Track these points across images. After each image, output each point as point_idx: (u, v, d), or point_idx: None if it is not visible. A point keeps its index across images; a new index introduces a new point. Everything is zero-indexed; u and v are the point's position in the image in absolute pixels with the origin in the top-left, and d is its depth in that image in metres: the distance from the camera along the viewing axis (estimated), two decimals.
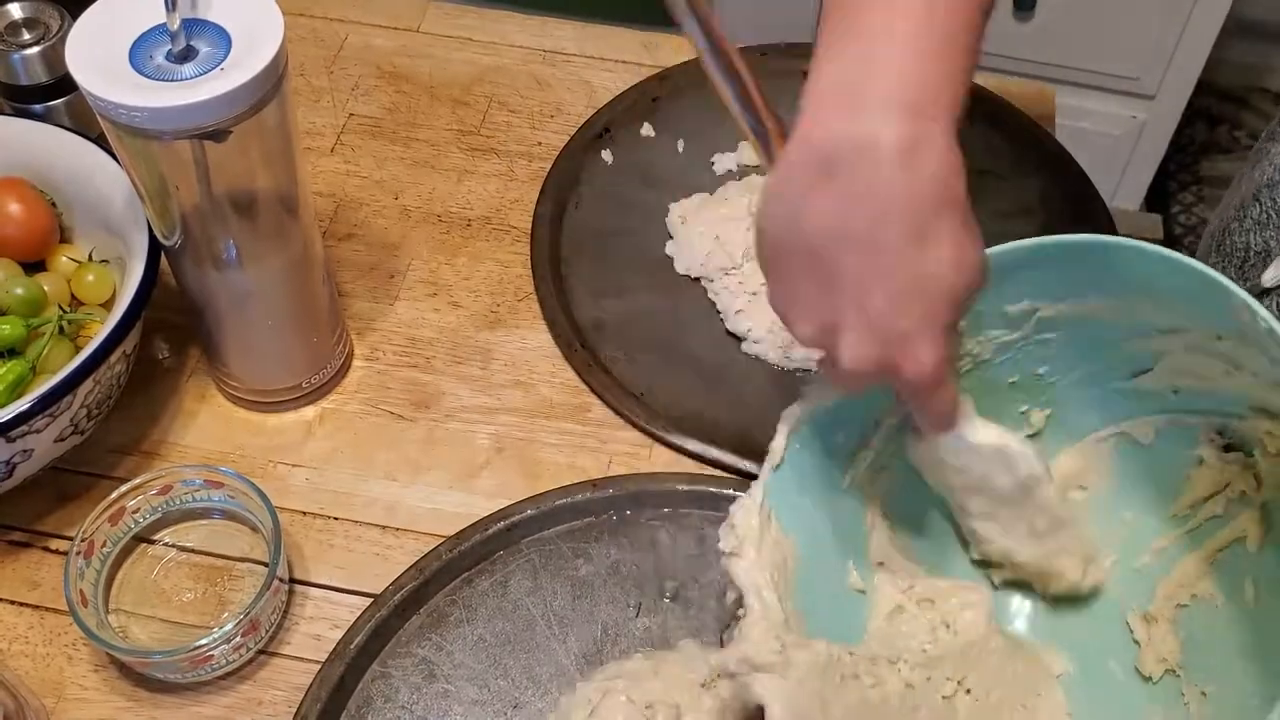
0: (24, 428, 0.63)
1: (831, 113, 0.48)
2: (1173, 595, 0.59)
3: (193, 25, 0.60)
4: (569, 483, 0.72)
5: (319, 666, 0.65)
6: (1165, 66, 1.58)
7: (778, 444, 0.60)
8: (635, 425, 0.75)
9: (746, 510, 0.59)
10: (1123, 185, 1.74)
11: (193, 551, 0.70)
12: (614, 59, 0.95)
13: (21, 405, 0.62)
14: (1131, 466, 0.60)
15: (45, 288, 0.72)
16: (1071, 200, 0.85)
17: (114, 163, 0.70)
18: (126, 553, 0.69)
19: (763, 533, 0.60)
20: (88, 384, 0.65)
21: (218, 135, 0.59)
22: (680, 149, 0.89)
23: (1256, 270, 0.65)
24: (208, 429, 0.75)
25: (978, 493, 0.59)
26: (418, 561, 0.68)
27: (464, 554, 0.69)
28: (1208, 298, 0.50)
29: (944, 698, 0.59)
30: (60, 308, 0.72)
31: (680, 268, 0.83)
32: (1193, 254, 0.57)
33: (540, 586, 0.69)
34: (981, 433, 0.56)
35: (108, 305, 0.74)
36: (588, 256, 0.83)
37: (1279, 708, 0.44)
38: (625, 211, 0.86)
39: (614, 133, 0.89)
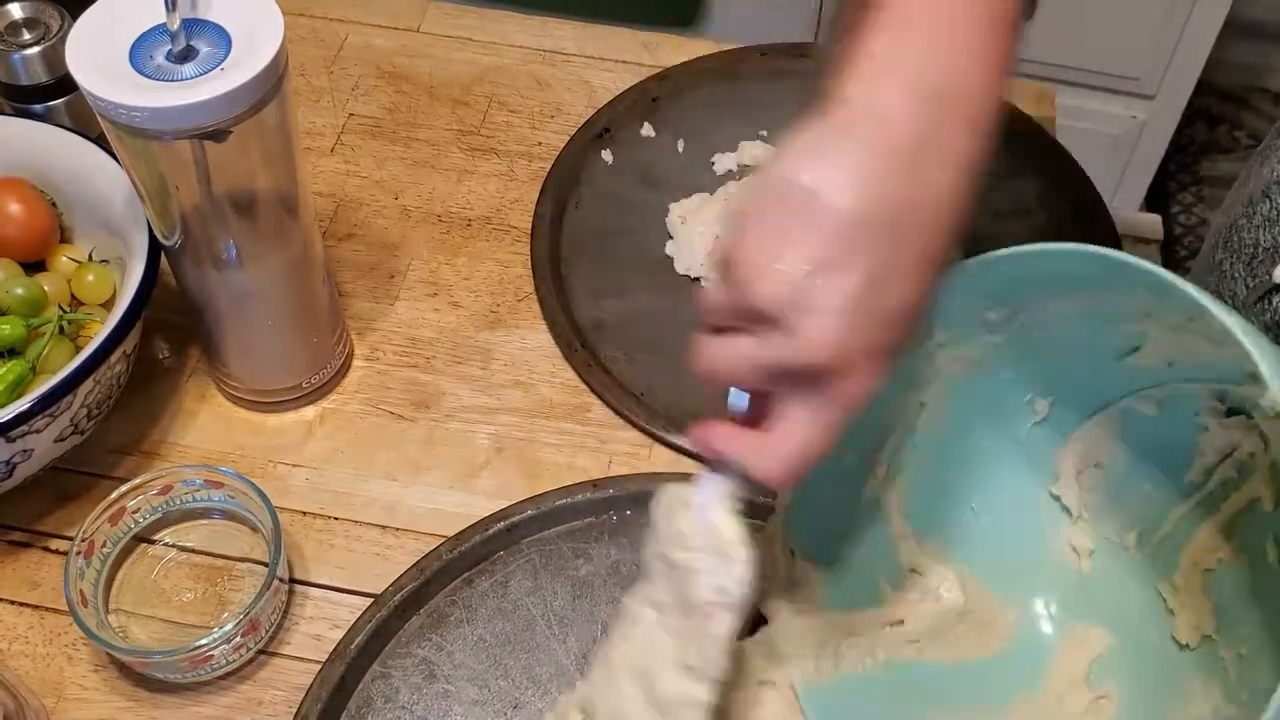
0: (24, 428, 0.63)
1: (900, 97, 0.46)
2: (1198, 562, 0.59)
3: (193, 25, 0.59)
4: (569, 483, 0.72)
5: (319, 666, 0.65)
6: (1165, 66, 1.58)
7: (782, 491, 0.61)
8: (635, 425, 0.75)
9: (764, 538, 0.60)
10: (1123, 185, 1.74)
11: (193, 551, 0.70)
12: (614, 59, 0.95)
13: (21, 405, 0.62)
14: (1141, 439, 0.61)
15: (45, 288, 0.72)
16: (1071, 200, 0.85)
17: (114, 163, 0.70)
18: (126, 553, 0.69)
19: (781, 559, 0.61)
20: (88, 384, 0.65)
21: (218, 135, 0.59)
22: (680, 149, 0.89)
23: (1265, 266, 0.65)
24: (208, 429, 0.75)
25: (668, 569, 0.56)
26: (418, 561, 0.68)
27: (464, 554, 0.69)
28: (1163, 293, 0.50)
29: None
30: (60, 308, 0.72)
31: (680, 268, 0.83)
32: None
33: (540, 586, 0.69)
34: (729, 521, 0.52)
35: (108, 305, 0.74)
36: (588, 256, 0.83)
37: None
38: (625, 211, 0.86)
39: (614, 133, 0.89)
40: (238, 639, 0.64)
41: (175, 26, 0.58)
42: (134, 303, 0.66)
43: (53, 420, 0.64)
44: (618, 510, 0.71)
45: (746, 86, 0.92)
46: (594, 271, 0.83)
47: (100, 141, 0.71)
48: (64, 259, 0.75)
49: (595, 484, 0.71)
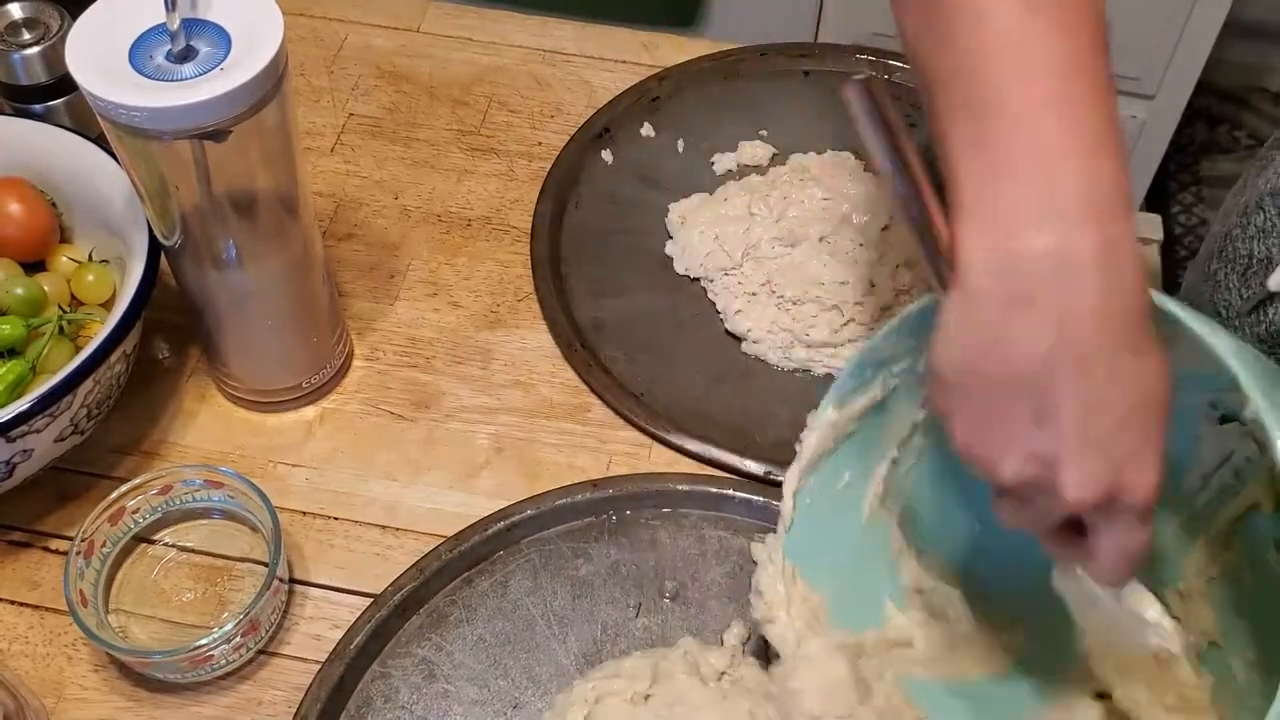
0: (24, 428, 0.63)
1: (1013, 228, 0.46)
2: (1201, 569, 0.59)
3: (193, 25, 0.60)
4: (569, 483, 0.72)
5: (319, 666, 0.65)
6: (1165, 66, 1.58)
7: (785, 506, 0.61)
8: (635, 425, 0.75)
9: (770, 576, 0.61)
10: None
11: (193, 551, 0.70)
12: (614, 59, 0.95)
13: (21, 405, 0.62)
14: None
15: (45, 288, 0.72)
16: None
17: (114, 163, 0.70)
18: (126, 553, 0.69)
19: (790, 594, 0.61)
20: (88, 384, 0.65)
21: (218, 135, 0.59)
22: (680, 149, 0.89)
23: (1258, 277, 0.65)
24: (208, 429, 0.75)
25: (1108, 643, 0.59)
26: (418, 561, 0.68)
27: (464, 554, 0.69)
28: None
29: None
30: (60, 308, 0.72)
31: (680, 268, 0.83)
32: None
33: (540, 586, 0.69)
34: (1134, 598, 0.55)
35: (108, 305, 0.74)
36: (588, 256, 0.83)
37: None
38: (625, 211, 0.86)
39: (614, 133, 0.89)
40: (238, 639, 0.64)
41: (175, 26, 0.58)
42: (134, 303, 0.66)
43: (53, 420, 0.64)
44: (618, 510, 0.71)
45: (746, 86, 0.92)
46: (594, 271, 0.83)
47: (100, 141, 0.71)
48: (64, 259, 0.75)
49: (595, 484, 0.71)
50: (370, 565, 0.70)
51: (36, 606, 0.68)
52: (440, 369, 0.78)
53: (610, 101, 0.90)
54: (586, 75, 0.94)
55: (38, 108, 0.81)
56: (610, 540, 0.71)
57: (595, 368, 0.77)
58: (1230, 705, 0.57)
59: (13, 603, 0.68)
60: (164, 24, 0.59)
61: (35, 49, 0.79)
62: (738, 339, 0.80)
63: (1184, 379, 0.56)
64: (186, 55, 0.59)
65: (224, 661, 0.64)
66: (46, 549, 0.70)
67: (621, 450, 0.75)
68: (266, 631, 0.66)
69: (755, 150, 0.88)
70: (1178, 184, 1.98)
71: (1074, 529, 0.52)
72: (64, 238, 0.76)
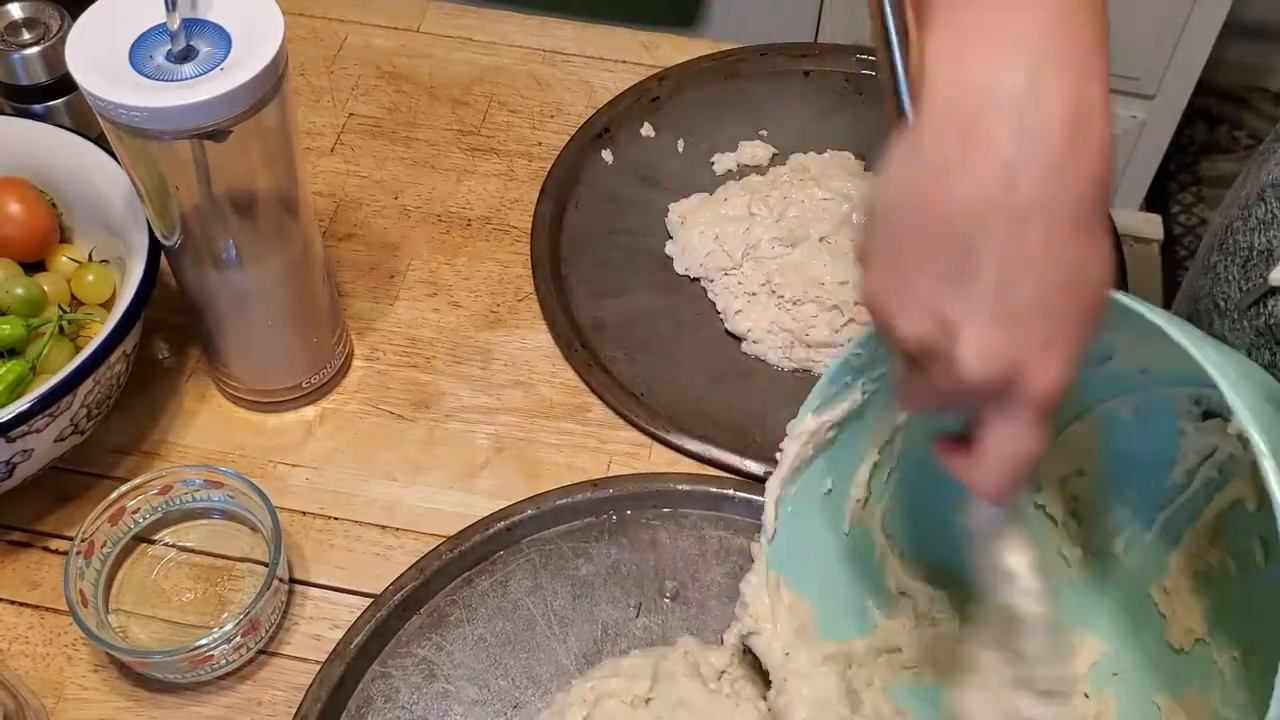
0: (24, 428, 0.63)
1: (980, 59, 0.41)
2: (1187, 566, 0.59)
3: (193, 25, 0.60)
4: (569, 483, 0.72)
5: (319, 666, 0.65)
6: (1165, 66, 1.58)
7: (768, 516, 0.61)
8: (635, 425, 0.75)
9: (755, 587, 0.61)
10: (1123, 185, 1.74)
11: (193, 551, 0.70)
12: (614, 59, 0.95)
13: (21, 405, 0.62)
14: (1122, 443, 0.61)
15: (45, 288, 0.72)
16: None
17: (114, 163, 0.70)
18: (126, 553, 0.69)
19: (775, 604, 0.61)
20: (88, 384, 0.65)
21: (218, 135, 0.59)
22: (680, 149, 0.89)
23: (1259, 270, 0.65)
24: (208, 429, 0.75)
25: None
26: (418, 561, 0.68)
27: (464, 554, 0.69)
28: (1118, 311, 0.49)
29: None
30: (60, 308, 0.72)
31: (680, 268, 0.83)
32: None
33: (540, 586, 0.69)
34: (1010, 544, 0.52)
35: (108, 305, 0.74)
36: (588, 256, 0.83)
37: None
38: (625, 211, 0.86)
39: (614, 133, 0.89)
40: (238, 639, 0.64)
41: (175, 26, 0.58)
42: (134, 303, 0.66)
43: (53, 420, 0.64)
44: (618, 510, 0.71)
45: (746, 86, 0.92)
46: (594, 271, 0.83)
47: (100, 141, 0.71)
48: (64, 259, 0.75)
49: (595, 484, 0.71)
50: (370, 565, 0.70)
51: (36, 606, 0.68)
52: (440, 369, 0.78)
53: (610, 101, 0.90)
54: (586, 75, 0.94)
55: (38, 108, 0.81)
56: (610, 540, 0.71)
57: (595, 368, 0.77)
58: (1218, 701, 0.57)
59: (13, 603, 0.68)
60: (164, 24, 0.59)
61: (35, 49, 0.79)
62: (738, 339, 0.80)
63: (1165, 375, 0.57)
64: (186, 55, 0.59)
65: (224, 661, 0.64)
66: (46, 549, 0.70)
67: (621, 450, 0.75)
68: (266, 631, 0.66)
69: (755, 150, 0.88)
70: (1178, 184, 1.98)
71: (969, 441, 0.47)
72: (64, 238, 0.76)
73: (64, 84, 0.81)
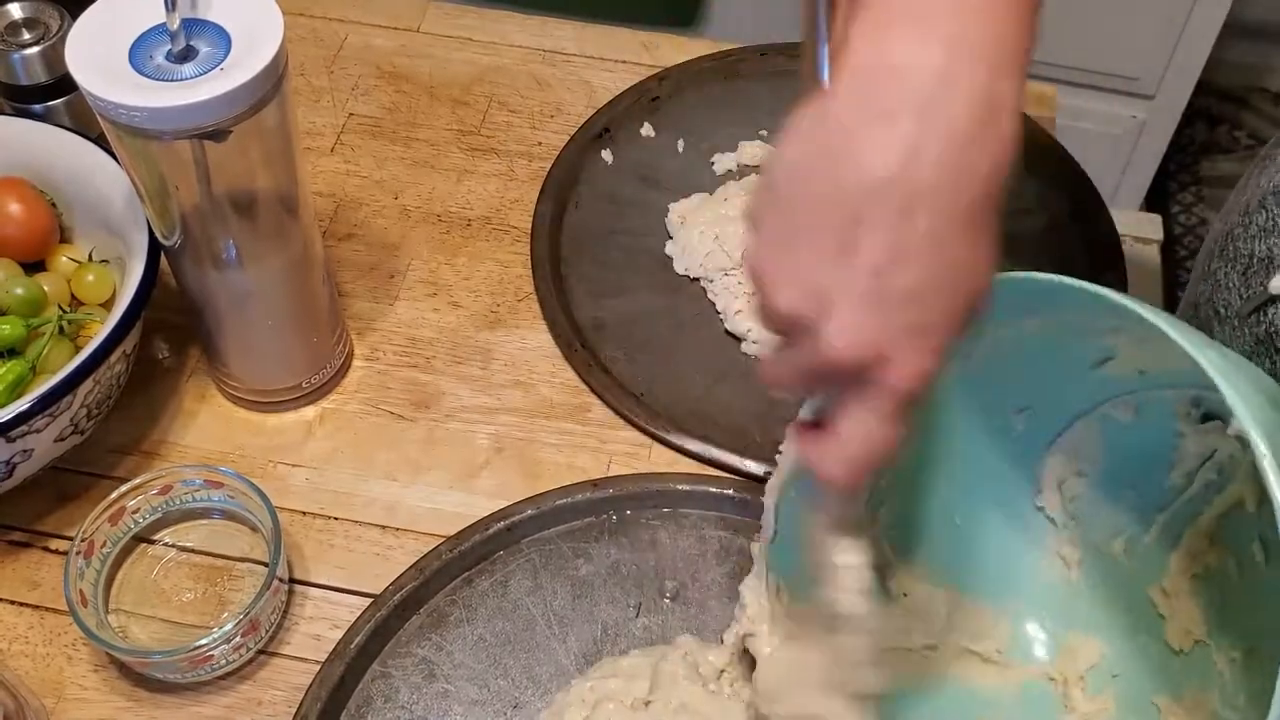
0: (24, 428, 0.63)
1: (900, 38, 0.40)
2: (1185, 567, 0.59)
3: (193, 25, 0.60)
4: (569, 483, 0.72)
5: (319, 666, 0.65)
6: (1165, 66, 1.58)
7: (767, 519, 0.61)
8: (635, 425, 0.75)
9: (754, 590, 0.61)
10: (1123, 185, 1.74)
11: (193, 551, 0.70)
12: (614, 59, 0.95)
13: (21, 405, 0.62)
14: (1121, 445, 0.61)
15: (45, 288, 0.72)
16: (1071, 200, 0.85)
17: (114, 163, 0.70)
18: (126, 553, 0.69)
19: (774, 607, 0.61)
20: (88, 384, 0.65)
21: (218, 135, 0.59)
22: (680, 149, 0.89)
23: (1260, 277, 0.65)
24: (208, 429, 0.75)
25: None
26: (418, 561, 0.68)
27: (464, 554, 0.69)
28: (1122, 314, 0.49)
29: None
30: (60, 308, 0.72)
31: (680, 268, 0.83)
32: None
33: (540, 586, 0.69)
34: (845, 541, 0.51)
35: (108, 305, 0.74)
36: (588, 256, 0.83)
37: None
38: (625, 211, 0.86)
39: (614, 133, 0.89)
40: (238, 639, 0.64)
41: (175, 26, 0.58)
42: (134, 303, 0.66)
43: (53, 420, 0.64)
44: (618, 510, 0.71)
45: (746, 86, 0.92)
46: (594, 271, 0.83)
47: (100, 141, 0.71)
48: (64, 259, 0.75)
49: (595, 484, 0.71)
50: (370, 565, 0.70)
51: (36, 606, 0.68)
52: (440, 369, 0.78)
53: (610, 101, 0.90)
54: (586, 75, 0.94)
55: (38, 108, 0.81)
56: (610, 540, 0.71)
57: (595, 368, 0.77)
58: (1218, 703, 0.57)
59: (13, 603, 0.68)
60: (164, 24, 0.59)
61: (35, 49, 0.79)
62: (738, 339, 0.80)
63: (1164, 377, 0.57)
64: (186, 55, 0.59)
65: (224, 661, 0.64)
66: (46, 549, 0.70)
67: (621, 450, 0.75)
68: (266, 631, 0.66)
69: (755, 150, 0.88)
70: (1178, 184, 1.98)
71: (823, 428, 0.47)
72: (64, 238, 0.76)
73: (64, 84, 0.81)
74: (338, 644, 0.65)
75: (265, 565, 0.66)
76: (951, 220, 0.41)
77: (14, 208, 0.73)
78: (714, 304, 0.81)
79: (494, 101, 0.92)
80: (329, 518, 0.72)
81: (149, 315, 0.69)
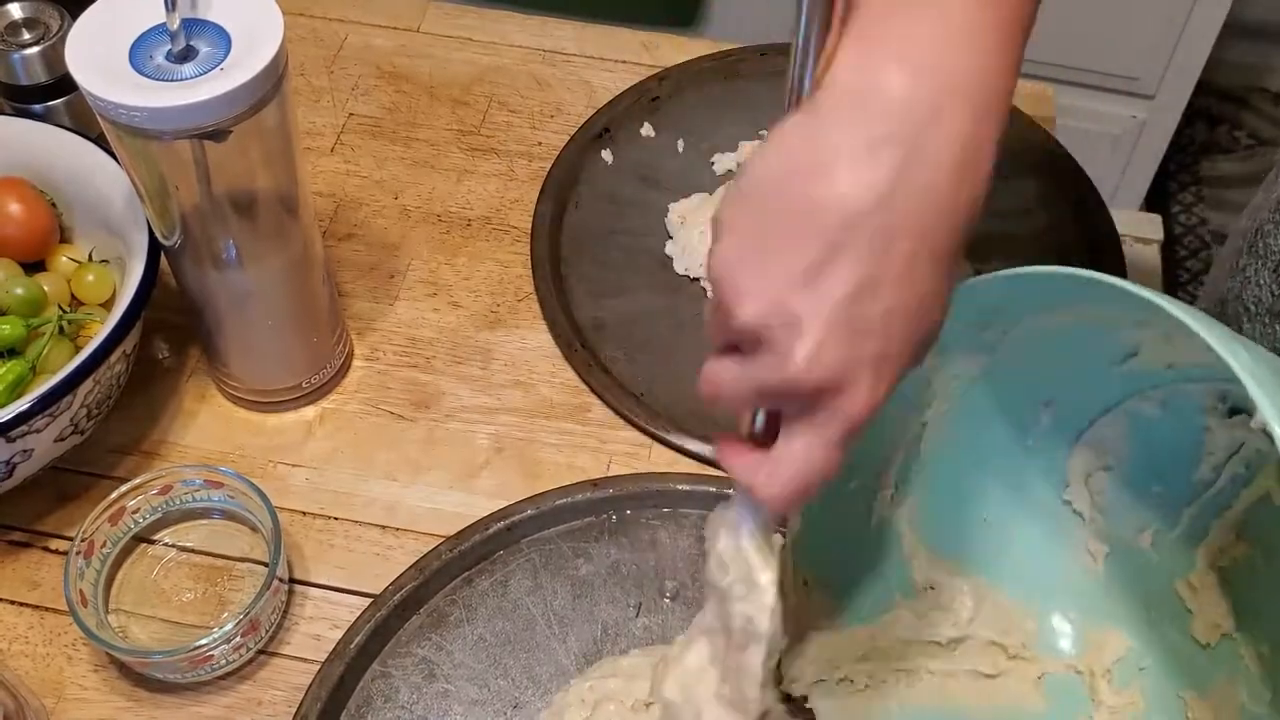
0: (24, 428, 0.63)
1: (895, 68, 0.40)
2: (1213, 560, 0.59)
3: (193, 25, 0.60)
4: (569, 483, 0.72)
5: (319, 666, 0.65)
6: (1165, 66, 1.58)
7: (792, 518, 0.61)
8: (635, 425, 0.75)
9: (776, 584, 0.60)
10: (1123, 185, 1.74)
11: (193, 551, 0.70)
12: (614, 59, 0.95)
13: (21, 405, 0.62)
14: (1147, 440, 0.60)
15: (45, 288, 0.72)
16: (1071, 200, 0.85)
17: (114, 163, 0.70)
18: (126, 553, 0.69)
19: (801, 600, 0.61)
20: (88, 384, 0.65)
21: (218, 135, 0.59)
22: (680, 149, 0.89)
23: None
24: (208, 429, 0.75)
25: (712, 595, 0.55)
26: (418, 561, 0.68)
27: (464, 554, 0.69)
28: (1148, 308, 0.49)
29: None
30: (60, 308, 0.72)
31: (680, 268, 0.83)
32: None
33: (540, 586, 0.69)
34: (758, 552, 0.50)
35: (108, 305, 0.74)
36: (588, 256, 0.83)
37: None
38: (625, 211, 0.86)
39: (614, 133, 0.89)
40: (238, 639, 0.64)
41: (175, 26, 0.58)
42: (134, 303, 0.66)
43: (53, 420, 0.64)
44: (618, 510, 0.71)
45: (746, 86, 0.92)
46: (594, 271, 0.83)
47: (100, 141, 0.71)
48: (64, 259, 0.75)
49: (595, 484, 0.71)
50: (370, 565, 0.70)
51: (36, 606, 0.68)
52: (440, 369, 0.78)
53: (610, 101, 0.90)
54: (586, 75, 0.94)
55: (38, 108, 0.81)
56: (610, 540, 0.71)
57: (595, 368, 0.77)
58: (1245, 696, 0.57)
59: (13, 603, 0.68)
60: (164, 24, 0.59)
61: (35, 49, 0.79)
62: None
63: (1191, 371, 0.57)
64: (186, 55, 0.59)
65: (224, 661, 0.64)
66: (46, 549, 0.70)
67: (621, 450, 0.75)
68: (266, 631, 0.66)
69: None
70: (1178, 184, 1.98)
71: (760, 445, 0.47)
72: (64, 238, 0.76)
73: (64, 84, 0.81)
74: (338, 644, 0.65)
75: (265, 565, 0.66)
76: (926, 255, 0.41)
77: (14, 208, 0.73)
78: None
79: (494, 101, 0.92)
80: (329, 518, 0.72)
81: (149, 315, 0.69)
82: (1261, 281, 0.67)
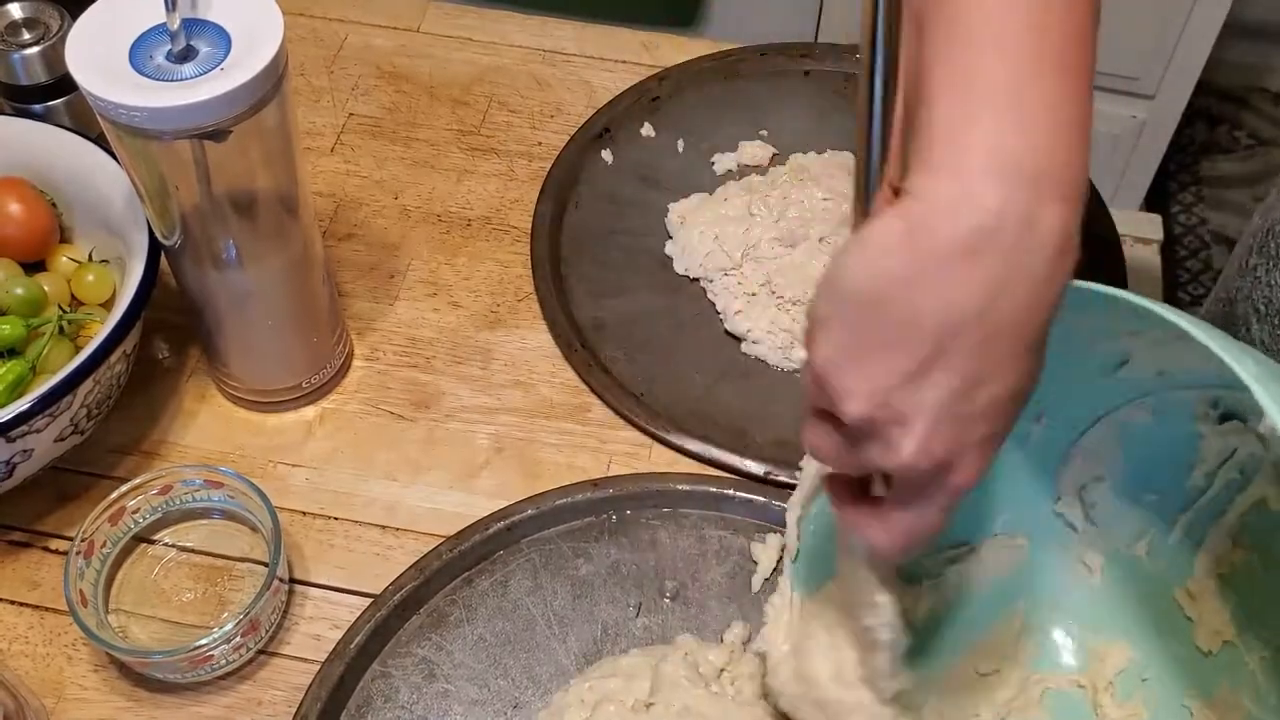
0: (24, 428, 0.63)
1: (984, 171, 0.41)
2: (1211, 568, 0.59)
3: (193, 25, 0.60)
4: (569, 483, 0.72)
5: (319, 666, 0.65)
6: (1165, 66, 1.58)
7: (790, 536, 0.61)
8: (635, 425, 0.75)
9: (778, 608, 0.60)
10: (1123, 185, 1.74)
11: (193, 551, 0.70)
12: (614, 59, 0.95)
13: (21, 405, 0.62)
14: (1140, 448, 0.60)
15: (45, 288, 0.72)
16: None
17: (114, 163, 0.70)
18: (126, 553, 0.69)
19: (793, 625, 0.61)
20: (88, 384, 0.65)
21: (218, 135, 0.59)
22: (680, 149, 0.89)
23: None
24: (208, 429, 0.75)
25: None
26: (418, 561, 0.68)
27: (464, 554, 0.69)
28: (1142, 315, 0.50)
29: None
30: (60, 308, 0.72)
31: (680, 268, 0.83)
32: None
33: (540, 586, 0.69)
34: (879, 572, 0.55)
35: (108, 305, 0.74)
36: (588, 256, 0.83)
37: None
38: (625, 211, 0.86)
39: (614, 133, 0.89)
40: (238, 639, 0.64)
41: (175, 26, 0.58)
42: (134, 303, 0.66)
43: (53, 420, 0.64)
44: (618, 510, 0.71)
45: (746, 86, 0.92)
46: (594, 271, 0.83)
47: (100, 141, 0.71)
48: (64, 259, 0.75)
49: (595, 484, 0.71)
50: (370, 565, 0.70)
51: (36, 606, 0.68)
52: (440, 369, 0.78)
53: (610, 101, 0.90)
54: (586, 75, 0.94)
55: (38, 108, 0.81)
56: (610, 540, 0.71)
57: (595, 368, 0.77)
58: (1250, 702, 0.57)
59: (13, 603, 0.68)
60: (164, 24, 0.59)
61: (35, 49, 0.79)
62: (738, 339, 0.80)
63: (1182, 378, 0.56)
64: (186, 55, 0.59)
65: (224, 661, 0.64)
66: (46, 549, 0.70)
67: (621, 450, 0.75)
68: (266, 631, 0.66)
69: (755, 150, 0.88)
70: (1178, 184, 1.98)
71: (862, 485, 0.50)
72: (64, 238, 0.76)
73: (64, 84, 0.81)
74: (338, 644, 0.65)
75: (265, 565, 0.66)
76: (1024, 346, 0.44)
77: (14, 208, 0.73)
78: (714, 304, 0.81)
79: (494, 101, 0.92)
80: (329, 518, 0.72)
81: (149, 315, 0.69)
82: (1273, 282, 0.67)
